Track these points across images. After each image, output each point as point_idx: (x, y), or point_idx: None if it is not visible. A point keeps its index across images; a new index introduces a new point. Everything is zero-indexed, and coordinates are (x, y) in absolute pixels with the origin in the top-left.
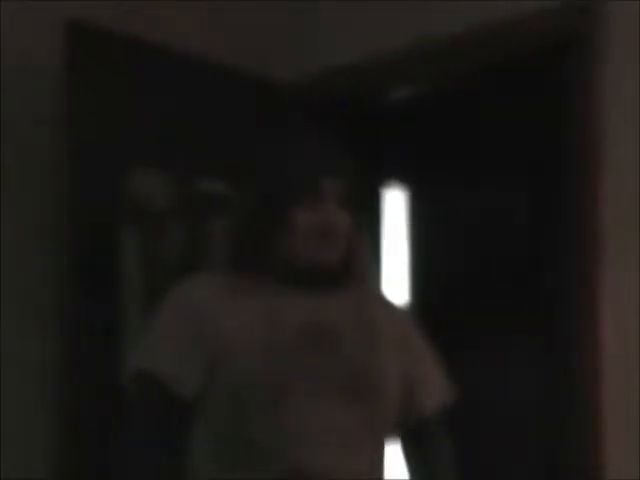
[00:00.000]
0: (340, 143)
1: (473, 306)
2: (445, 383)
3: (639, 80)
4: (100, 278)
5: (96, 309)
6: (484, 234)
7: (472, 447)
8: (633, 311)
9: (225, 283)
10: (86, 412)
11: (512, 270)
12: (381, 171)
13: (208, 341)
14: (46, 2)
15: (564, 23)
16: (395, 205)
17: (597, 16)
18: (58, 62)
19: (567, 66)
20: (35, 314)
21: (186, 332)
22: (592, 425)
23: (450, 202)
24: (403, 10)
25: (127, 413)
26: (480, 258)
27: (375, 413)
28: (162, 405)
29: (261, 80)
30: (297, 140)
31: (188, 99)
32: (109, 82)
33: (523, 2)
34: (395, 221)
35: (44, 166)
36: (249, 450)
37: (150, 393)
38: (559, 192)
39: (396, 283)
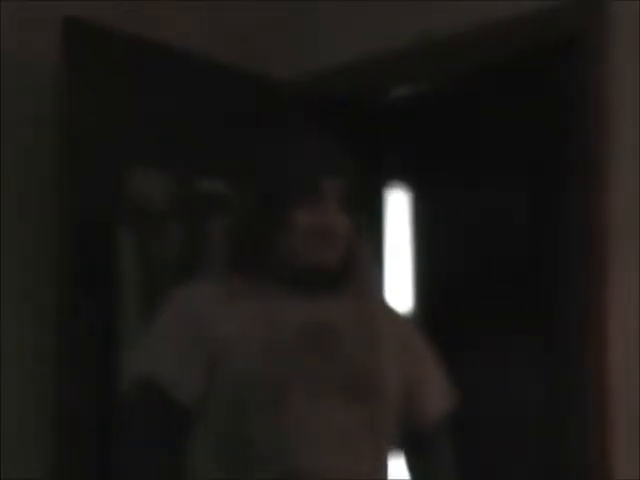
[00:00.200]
0: (340, 143)
1: (476, 307)
2: (446, 387)
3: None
4: (99, 278)
5: (95, 309)
6: (487, 234)
7: (473, 448)
8: (637, 311)
9: (224, 287)
10: (85, 413)
11: (515, 270)
12: (382, 171)
13: (207, 344)
14: (46, 2)
15: (565, 23)
16: (397, 206)
17: (598, 15)
18: (57, 61)
19: (568, 66)
20: (34, 314)
21: (186, 337)
22: (597, 425)
23: (452, 202)
24: (403, 10)
25: (126, 417)
26: (483, 259)
27: (375, 413)
28: (162, 410)
29: (261, 79)
30: (297, 140)
31: (187, 98)
32: (108, 81)
33: (524, 2)
34: (397, 222)
35: (43, 165)
36: (249, 451)
37: (150, 398)
38: (562, 192)
39: (399, 285)
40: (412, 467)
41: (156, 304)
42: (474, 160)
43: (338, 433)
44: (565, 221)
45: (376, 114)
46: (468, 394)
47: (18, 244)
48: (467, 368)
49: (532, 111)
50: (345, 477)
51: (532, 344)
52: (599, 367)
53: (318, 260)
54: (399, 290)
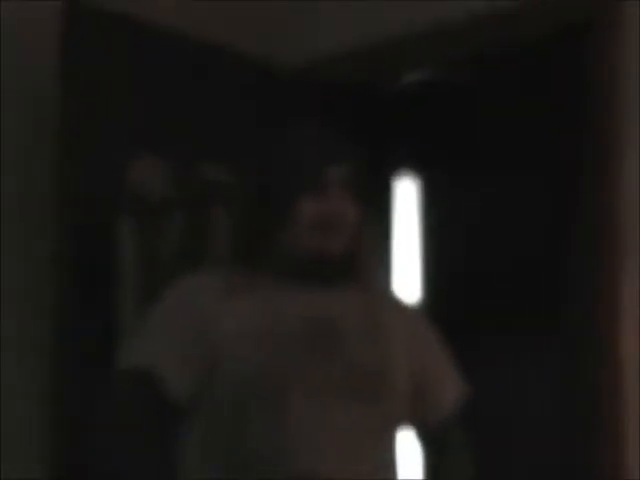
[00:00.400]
0: (346, 130)
1: (488, 302)
2: (458, 380)
3: None
4: (98, 268)
5: (94, 299)
6: (497, 224)
7: (488, 448)
8: None
9: (225, 280)
10: (85, 410)
11: (529, 264)
12: (390, 159)
13: (207, 341)
14: None
15: (577, 9)
16: (406, 195)
17: (610, 3)
18: (55, 46)
19: (581, 53)
20: (32, 303)
21: (185, 331)
22: (610, 425)
23: (462, 191)
24: None
25: (117, 408)
26: (493, 250)
27: (381, 412)
28: (154, 403)
29: (265, 65)
30: (301, 127)
31: (188, 84)
32: (108, 67)
33: None
34: (405, 211)
35: (42, 153)
36: (248, 451)
37: (143, 390)
38: (578, 182)
39: (407, 277)
40: (428, 460)
41: (157, 294)
42: (484, 148)
43: (341, 433)
44: (584, 212)
45: (383, 100)
46: (484, 393)
47: (17, 232)
48: (482, 367)
49: (544, 99)
50: (351, 477)
51: (549, 342)
52: (612, 366)
53: (323, 250)
54: (407, 282)
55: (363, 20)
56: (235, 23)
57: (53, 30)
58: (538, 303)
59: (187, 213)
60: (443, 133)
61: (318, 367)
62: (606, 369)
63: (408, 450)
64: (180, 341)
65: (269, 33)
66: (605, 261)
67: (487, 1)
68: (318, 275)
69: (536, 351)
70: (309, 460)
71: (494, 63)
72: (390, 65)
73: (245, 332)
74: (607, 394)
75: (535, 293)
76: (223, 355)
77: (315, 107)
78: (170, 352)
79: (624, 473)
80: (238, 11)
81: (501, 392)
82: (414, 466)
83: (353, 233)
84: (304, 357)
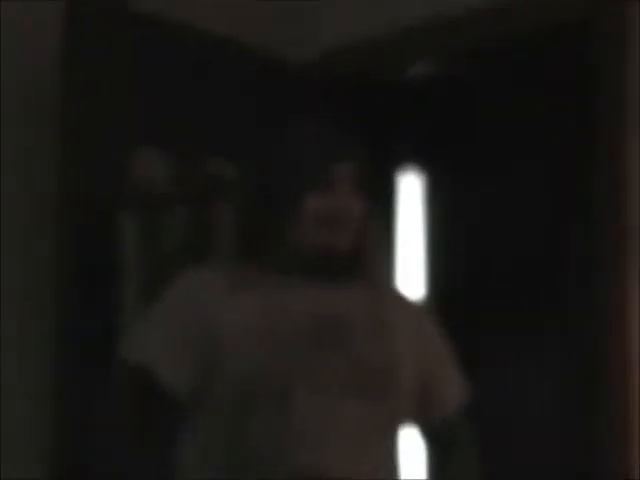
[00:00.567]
0: (352, 124)
1: (494, 300)
2: (462, 378)
3: None
4: (100, 263)
5: (95, 297)
6: (503, 221)
7: (494, 447)
8: None
9: (228, 276)
10: (86, 410)
11: (532, 262)
12: (396, 155)
13: (208, 337)
14: None
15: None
16: (411, 191)
17: None
18: (57, 37)
19: (587, 45)
20: (33, 303)
21: (185, 328)
22: (614, 425)
23: (467, 187)
24: None
25: (118, 406)
26: (499, 246)
27: (386, 411)
28: (154, 400)
29: (270, 58)
30: (306, 122)
31: (192, 77)
32: (109, 60)
33: None
34: (411, 208)
35: (42, 148)
36: (249, 451)
37: (143, 387)
38: (586, 179)
39: (412, 274)
40: (432, 458)
41: (159, 292)
42: (488, 143)
43: (345, 431)
44: (592, 208)
45: (387, 95)
46: (490, 392)
47: (17, 231)
48: (488, 366)
49: (550, 92)
50: (351, 477)
51: (546, 341)
52: (614, 366)
53: (329, 246)
54: (412, 278)
55: (364, 14)
56: (237, 18)
57: (54, 25)
58: (541, 302)
59: (190, 209)
60: (447, 128)
61: (323, 364)
62: (608, 369)
63: (412, 448)
64: (180, 337)
65: (271, 28)
66: (608, 260)
67: None
68: (324, 271)
69: (538, 350)
70: (312, 458)
71: (496, 57)
72: (392, 59)
73: (248, 328)
74: (609, 394)
75: (538, 292)
76: (225, 352)
77: (318, 102)
78: (169, 348)
79: (628, 473)
80: (240, 6)
81: (502, 392)
82: (418, 464)
83: (359, 229)
84: (309, 354)
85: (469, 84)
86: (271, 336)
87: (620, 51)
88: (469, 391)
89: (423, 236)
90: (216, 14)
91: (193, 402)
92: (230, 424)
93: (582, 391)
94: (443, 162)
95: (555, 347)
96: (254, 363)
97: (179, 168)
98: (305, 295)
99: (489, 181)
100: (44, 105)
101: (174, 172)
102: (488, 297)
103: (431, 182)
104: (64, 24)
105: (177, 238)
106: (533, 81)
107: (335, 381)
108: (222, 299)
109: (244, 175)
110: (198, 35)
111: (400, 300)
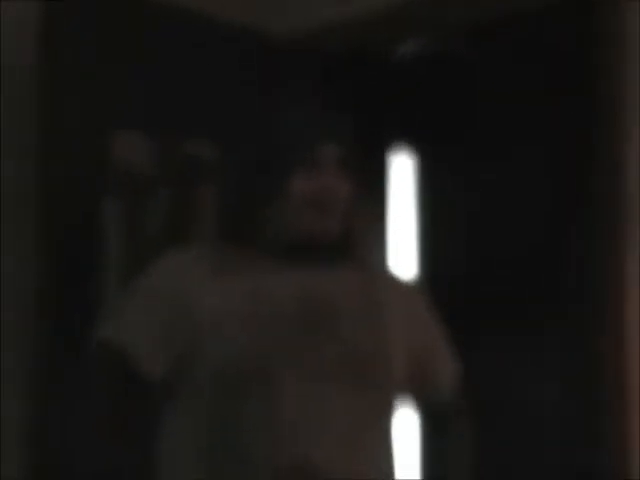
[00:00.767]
0: (340, 103)
1: (488, 288)
2: (455, 358)
3: None
4: (81, 249)
5: (77, 282)
6: (497, 202)
7: (493, 447)
8: None
9: (212, 258)
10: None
11: (533, 249)
12: (386, 133)
13: (188, 320)
14: None
15: None
16: (402, 171)
17: None
18: (36, 20)
19: (584, 23)
20: (13, 289)
21: (163, 310)
22: (615, 425)
23: (464, 168)
24: None
25: (92, 388)
26: (494, 230)
27: (377, 397)
28: (126, 383)
29: (253, 35)
30: (292, 101)
31: (173, 57)
32: (90, 41)
33: None
34: (402, 189)
35: (22, 130)
36: (235, 442)
37: (114, 368)
38: (585, 161)
39: (403, 257)
40: (428, 441)
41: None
42: (484, 122)
43: (335, 418)
44: (584, 205)
45: (380, 71)
46: (483, 390)
47: None
48: (479, 360)
49: (553, 69)
50: (346, 468)
51: (548, 338)
52: (618, 366)
53: (315, 231)
54: (405, 265)
55: None
56: None
57: (32, 9)
58: (539, 298)
59: (173, 192)
60: (442, 106)
61: (311, 349)
62: (608, 369)
63: (407, 432)
64: (158, 319)
65: (255, 5)
66: (607, 260)
67: None
68: (311, 255)
69: (537, 347)
70: (301, 447)
71: (497, 32)
72: (385, 34)
73: (230, 312)
74: (609, 394)
75: (539, 276)
76: (206, 336)
77: (305, 81)
78: (144, 329)
79: (627, 473)
80: None
81: (502, 392)
82: (413, 448)
83: (347, 211)
84: (295, 339)
85: (462, 62)
86: (255, 320)
87: (621, 33)
88: (461, 371)
89: (415, 216)
90: None
91: (173, 386)
92: (212, 410)
93: (582, 391)
94: (435, 142)
95: (555, 347)
96: (236, 347)
97: (162, 151)
98: (290, 279)
99: (483, 162)
100: (23, 89)
101: (157, 155)
102: (481, 282)
103: (423, 163)
104: (43, 6)
105: (160, 222)
106: (532, 59)
107: (324, 366)
108: (204, 282)
109: (228, 157)
110: (179, 15)
111: (392, 282)
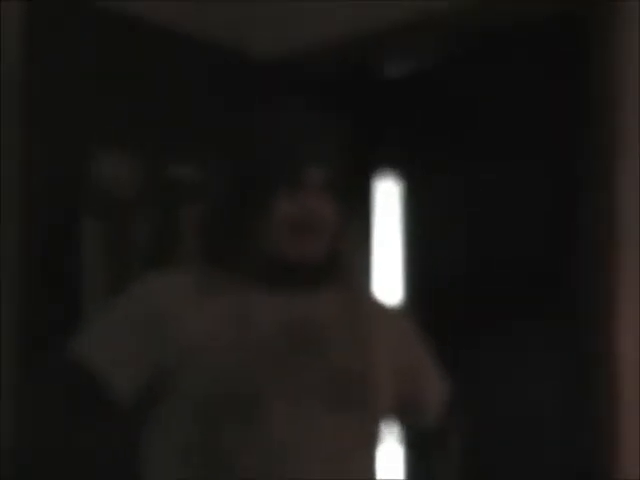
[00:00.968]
0: (326, 125)
1: (474, 307)
2: (443, 380)
3: None
4: (59, 272)
5: (54, 307)
6: (483, 225)
7: (481, 447)
8: None
9: (194, 280)
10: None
11: (518, 269)
12: (371, 158)
13: (169, 343)
14: None
15: None
16: (387, 195)
17: None
18: (19, 36)
19: (573, 39)
20: None
21: (138, 327)
22: (608, 425)
23: (449, 192)
24: None
25: (51, 401)
26: (479, 251)
27: (363, 421)
28: (89, 402)
29: (238, 54)
30: (278, 121)
31: (157, 76)
32: (73, 57)
33: None
34: (387, 212)
35: (5, 147)
36: (220, 466)
37: (79, 387)
38: (573, 175)
39: (388, 281)
40: (412, 463)
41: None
42: (470, 147)
43: (322, 444)
44: (577, 209)
45: (368, 92)
46: (477, 394)
47: None
48: (462, 372)
49: (536, 90)
50: None
51: (539, 343)
52: (617, 366)
53: (300, 254)
54: (389, 285)
55: (339, 9)
56: (208, 11)
57: (16, 23)
58: (527, 307)
59: (156, 212)
60: (429, 129)
61: (297, 372)
62: (607, 369)
63: (391, 453)
64: (132, 337)
65: (245, 22)
66: (607, 260)
67: None
68: (295, 279)
69: (536, 347)
70: (290, 466)
71: (485, 54)
72: (373, 54)
73: (215, 334)
74: (609, 394)
75: (523, 295)
76: (187, 360)
77: (292, 103)
78: (117, 346)
79: (623, 473)
80: (207, 2)
81: (501, 392)
82: (397, 469)
83: (333, 234)
84: (281, 362)
85: (453, 82)
86: (239, 344)
87: (618, 38)
88: (450, 394)
89: (400, 241)
90: (182, 11)
91: (154, 409)
92: (197, 433)
93: (582, 391)
94: (421, 165)
95: (555, 347)
96: (221, 373)
97: (145, 171)
98: (275, 302)
99: (470, 185)
100: (6, 105)
101: (140, 175)
102: (469, 305)
103: (409, 186)
104: (27, 22)
105: (142, 242)
106: (521, 75)
107: (310, 389)
108: (188, 305)
109: (212, 178)
110: (165, 34)
111: (376, 305)
